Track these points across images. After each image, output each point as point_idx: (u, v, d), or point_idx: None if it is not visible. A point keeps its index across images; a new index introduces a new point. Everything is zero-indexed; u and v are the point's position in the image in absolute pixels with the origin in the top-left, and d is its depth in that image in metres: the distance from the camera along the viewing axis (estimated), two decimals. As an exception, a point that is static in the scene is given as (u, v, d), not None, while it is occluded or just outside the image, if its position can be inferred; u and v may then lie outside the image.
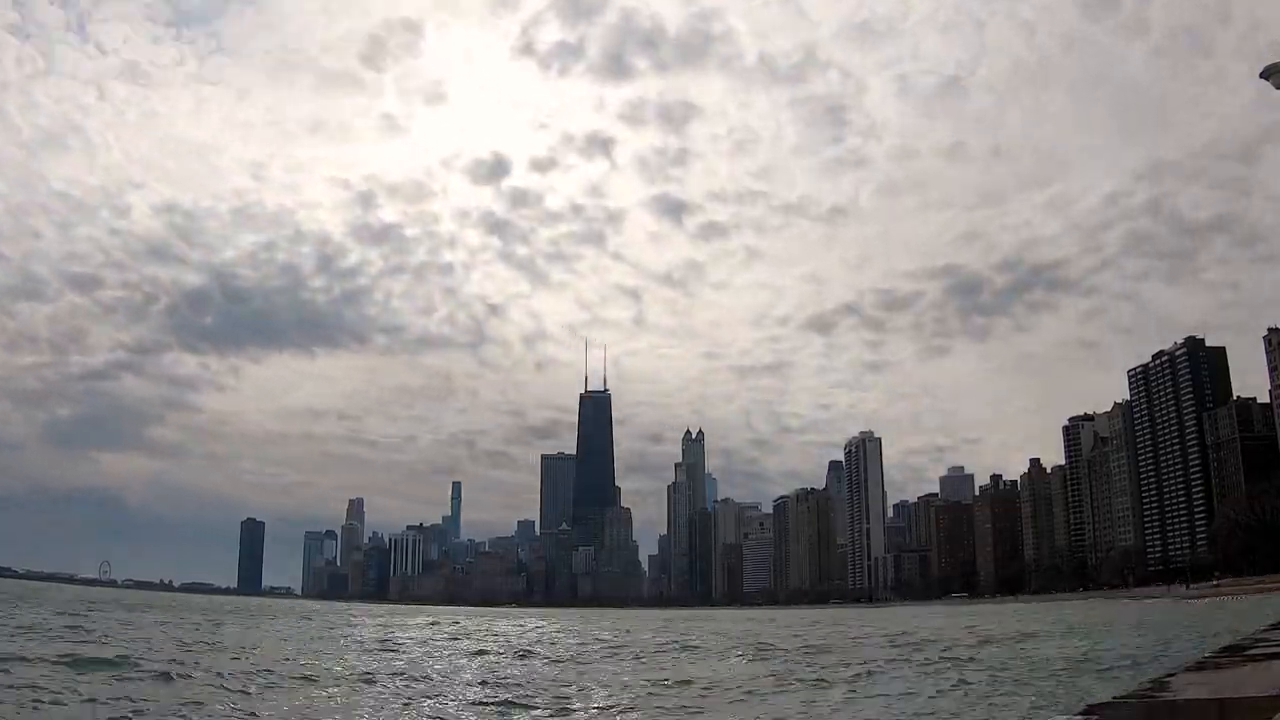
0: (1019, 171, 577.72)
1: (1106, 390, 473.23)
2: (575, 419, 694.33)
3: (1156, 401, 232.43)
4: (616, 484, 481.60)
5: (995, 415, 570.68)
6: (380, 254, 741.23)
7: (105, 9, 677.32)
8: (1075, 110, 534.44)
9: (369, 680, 24.34)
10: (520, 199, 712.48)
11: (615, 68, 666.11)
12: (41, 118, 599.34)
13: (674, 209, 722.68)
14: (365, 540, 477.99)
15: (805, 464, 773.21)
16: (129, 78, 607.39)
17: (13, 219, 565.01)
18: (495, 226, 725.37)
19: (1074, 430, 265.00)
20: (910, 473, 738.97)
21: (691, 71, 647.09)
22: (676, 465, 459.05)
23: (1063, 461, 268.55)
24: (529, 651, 39.28)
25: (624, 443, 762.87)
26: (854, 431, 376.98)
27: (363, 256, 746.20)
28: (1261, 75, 14.39)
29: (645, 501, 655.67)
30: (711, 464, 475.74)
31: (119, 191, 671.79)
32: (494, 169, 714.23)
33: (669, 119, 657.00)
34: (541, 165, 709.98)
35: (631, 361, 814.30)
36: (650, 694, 22.64)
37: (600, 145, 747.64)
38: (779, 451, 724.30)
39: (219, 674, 23.68)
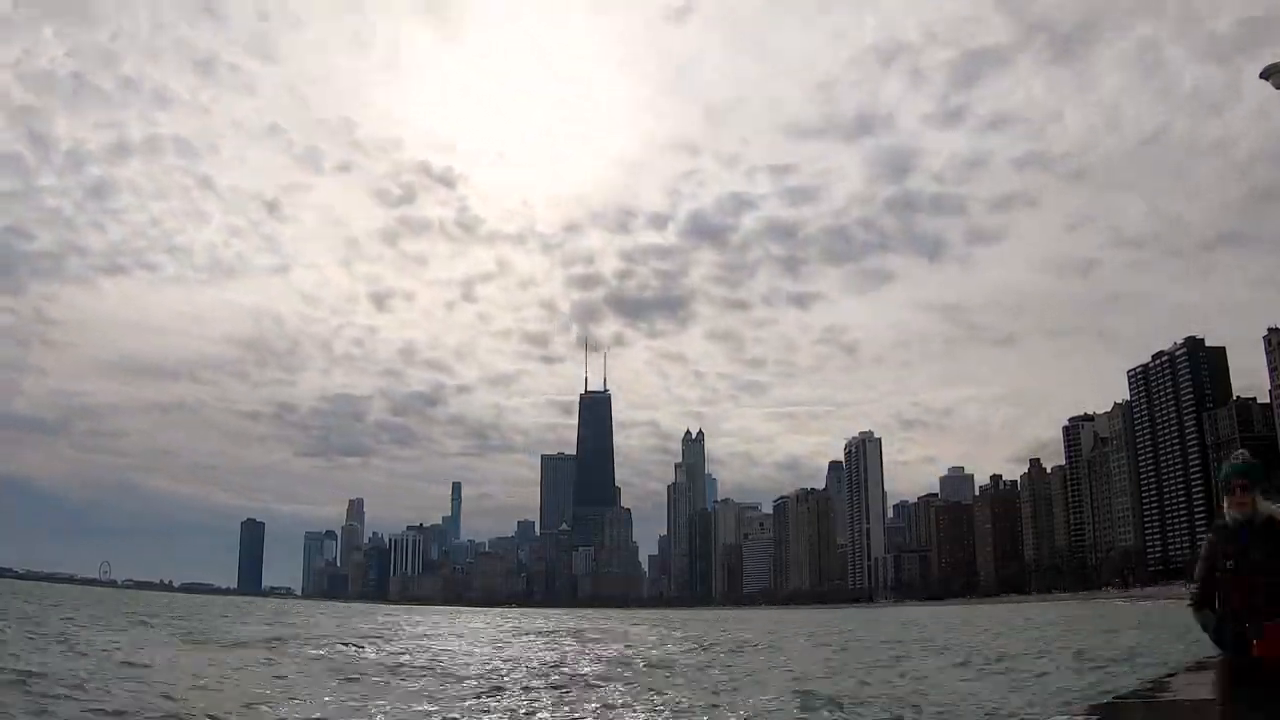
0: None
1: (1106, 386, 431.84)
2: (459, 381, 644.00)
3: (1156, 401, 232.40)
4: (616, 484, 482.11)
5: (963, 371, 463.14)
6: (91, 125, 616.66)
7: None
8: None
9: None
10: (207, 6, 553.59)
11: None
12: None
13: (436, 13, 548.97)
14: (365, 540, 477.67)
15: (754, 444, 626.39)
16: None
17: None
18: (203, 70, 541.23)
19: (1074, 430, 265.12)
20: (893, 464, 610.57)
21: None
22: (676, 465, 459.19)
23: (1063, 461, 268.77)
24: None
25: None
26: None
27: (69, 128, 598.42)
28: (1262, 75, 14.36)
29: (645, 501, 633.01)
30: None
31: None
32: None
33: None
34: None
35: (485, 292, 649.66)
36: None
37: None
38: (714, 431, 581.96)
39: None
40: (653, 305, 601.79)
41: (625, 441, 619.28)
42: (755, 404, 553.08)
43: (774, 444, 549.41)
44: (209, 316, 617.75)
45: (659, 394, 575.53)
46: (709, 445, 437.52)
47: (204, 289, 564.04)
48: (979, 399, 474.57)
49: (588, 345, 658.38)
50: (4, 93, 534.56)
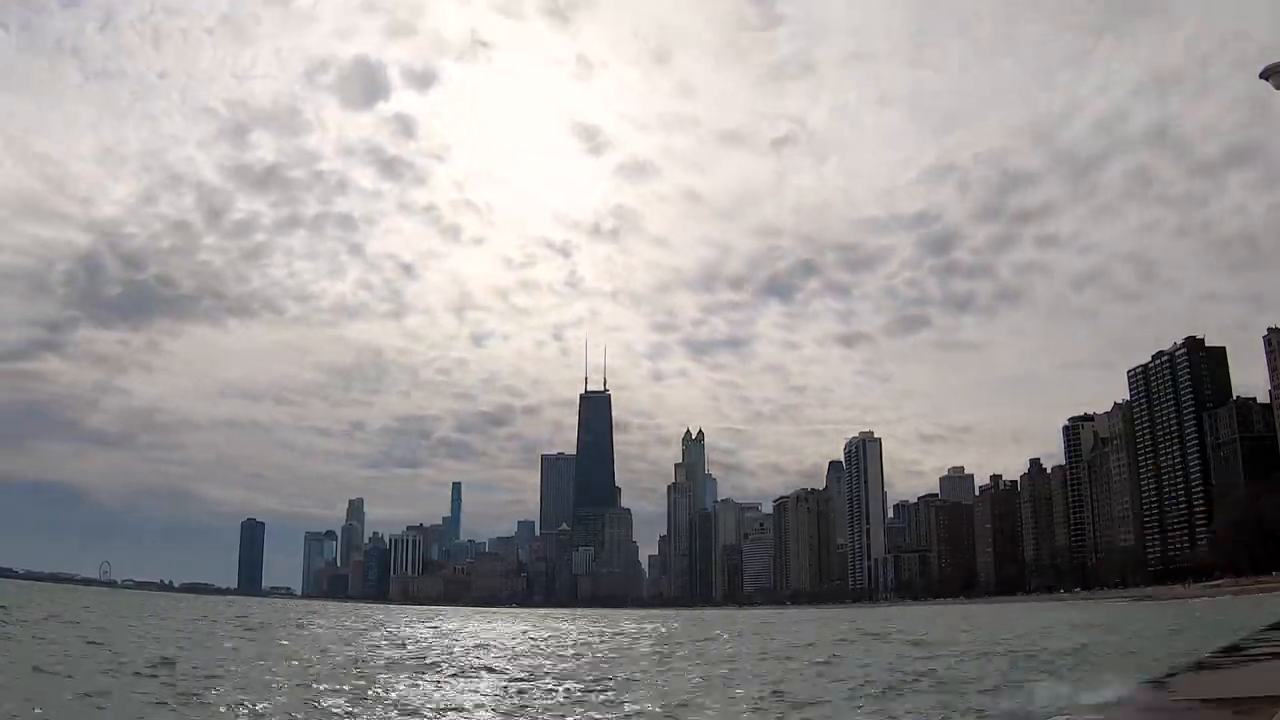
0: (993, 80, 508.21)
1: (1107, 388, 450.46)
2: (527, 403, 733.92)
3: (1156, 401, 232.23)
4: (616, 484, 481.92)
5: (985, 399, 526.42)
6: (268, 203, 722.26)
7: None
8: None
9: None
10: (406, 129, 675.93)
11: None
12: None
13: (587, 138, 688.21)
14: (365, 540, 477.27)
15: (784, 456, 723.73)
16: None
17: None
18: (386, 167, 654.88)
19: (1074, 430, 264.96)
20: (894, 465, 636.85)
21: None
22: (676, 465, 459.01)
23: (1063, 461, 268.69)
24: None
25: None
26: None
27: (251, 208, 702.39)
28: (1261, 75, 14.35)
29: (645, 501, 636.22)
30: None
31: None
32: (367, 89, 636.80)
33: (557, 13, 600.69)
34: (418, 80, 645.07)
35: (574, 335, 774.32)
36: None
37: (477, 51, 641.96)
38: (754, 444, 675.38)
39: None
40: (719, 346, 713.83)
41: (625, 441, 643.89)
42: (791, 424, 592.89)
43: (775, 444, 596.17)
44: (316, 349, 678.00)
45: (707, 412, 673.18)
46: (743, 455, 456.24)
47: (322, 329, 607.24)
48: (991, 410, 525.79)
49: (587, 344, 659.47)
50: (201, 181, 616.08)
